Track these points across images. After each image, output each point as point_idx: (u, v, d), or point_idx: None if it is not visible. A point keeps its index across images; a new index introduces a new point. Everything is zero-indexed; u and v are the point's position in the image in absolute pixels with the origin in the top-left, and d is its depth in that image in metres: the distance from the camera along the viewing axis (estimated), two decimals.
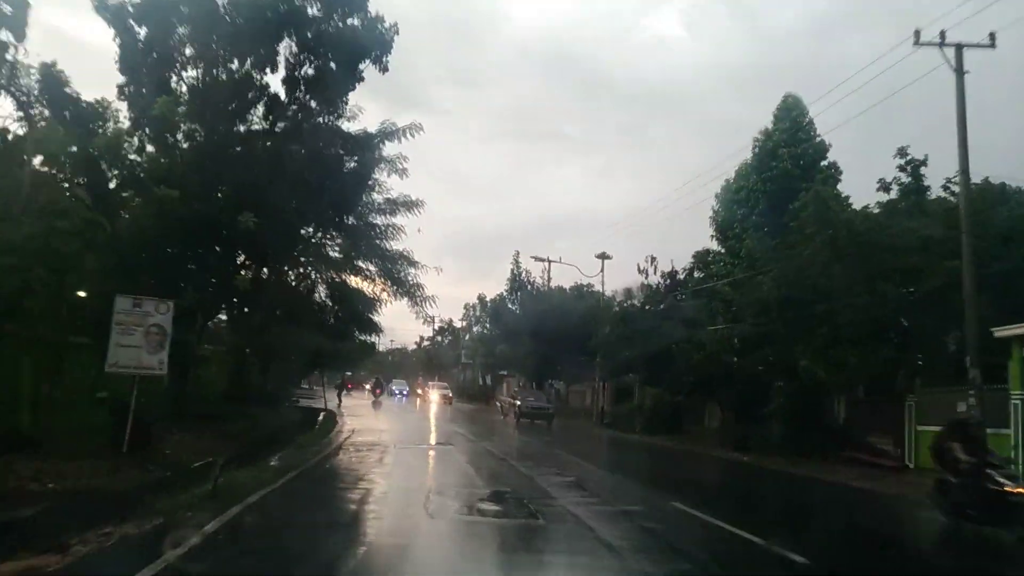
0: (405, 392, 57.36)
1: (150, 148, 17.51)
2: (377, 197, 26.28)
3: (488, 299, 50.11)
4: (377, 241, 30.08)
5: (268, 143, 18.88)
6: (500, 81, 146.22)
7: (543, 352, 39.32)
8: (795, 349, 19.79)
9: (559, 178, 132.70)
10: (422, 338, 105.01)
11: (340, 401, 37.19)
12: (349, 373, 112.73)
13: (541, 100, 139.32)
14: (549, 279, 40.38)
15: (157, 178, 16.76)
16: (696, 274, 28.99)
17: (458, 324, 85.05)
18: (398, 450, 16.37)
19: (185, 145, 17.92)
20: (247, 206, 17.25)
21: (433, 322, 30.33)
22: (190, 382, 19.61)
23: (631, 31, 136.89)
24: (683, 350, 24.47)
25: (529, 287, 41.36)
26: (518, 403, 32.21)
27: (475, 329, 54.14)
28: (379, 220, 28.94)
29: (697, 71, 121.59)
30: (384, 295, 34.13)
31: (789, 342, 19.99)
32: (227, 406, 21.98)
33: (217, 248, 17.86)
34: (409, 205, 26.73)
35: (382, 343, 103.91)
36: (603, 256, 33.40)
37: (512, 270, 41.64)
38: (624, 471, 15.85)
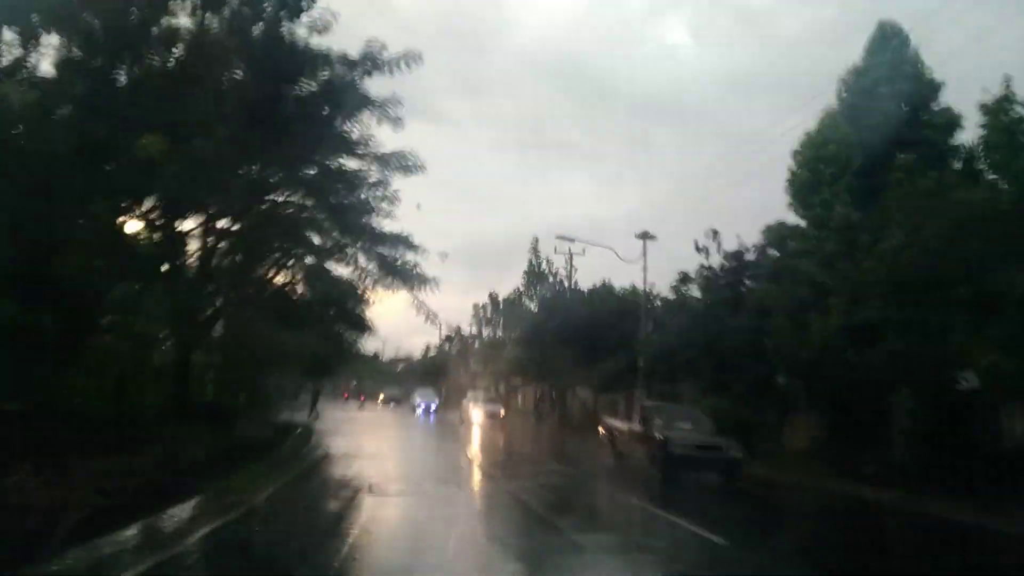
0: (434, 407, 41.95)
1: (7, 35, 11.72)
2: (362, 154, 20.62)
3: (501, 298, 44.17)
4: (365, 217, 24.40)
5: (194, 42, 13.07)
6: (507, 91, 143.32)
7: (567, 356, 33.36)
8: (950, 341, 13.84)
9: (568, 187, 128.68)
10: (428, 347, 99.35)
11: (315, 415, 31.56)
12: (355, 382, 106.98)
13: (548, 109, 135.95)
14: (573, 271, 34.39)
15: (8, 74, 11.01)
16: (770, 252, 22.94)
17: (467, 331, 79.43)
18: (373, 500, 10.32)
19: (64, 37, 12.14)
20: (155, 126, 11.45)
21: (437, 320, 24.63)
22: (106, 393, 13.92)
23: (638, 40, 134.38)
24: (782, 346, 18.52)
25: (552, 279, 35.32)
26: (661, 437, 15.54)
27: (486, 332, 48.12)
28: (367, 193, 23.35)
29: (704, 79, 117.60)
30: (377, 287, 28.28)
31: (940, 331, 14.03)
32: (161, 426, 16.17)
33: (108, 188, 11.99)
34: (405, 166, 20.98)
35: (386, 351, 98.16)
36: (645, 236, 27.37)
37: (530, 260, 35.71)
38: (764, 541, 9.39)
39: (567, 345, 32.73)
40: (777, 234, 23.52)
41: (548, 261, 34.55)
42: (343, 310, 30.66)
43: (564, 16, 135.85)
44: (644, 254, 27.20)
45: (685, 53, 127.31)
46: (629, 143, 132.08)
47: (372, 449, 19.27)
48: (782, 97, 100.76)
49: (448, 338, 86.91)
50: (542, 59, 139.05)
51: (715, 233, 23.41)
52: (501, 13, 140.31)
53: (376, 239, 26.48)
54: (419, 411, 40.94)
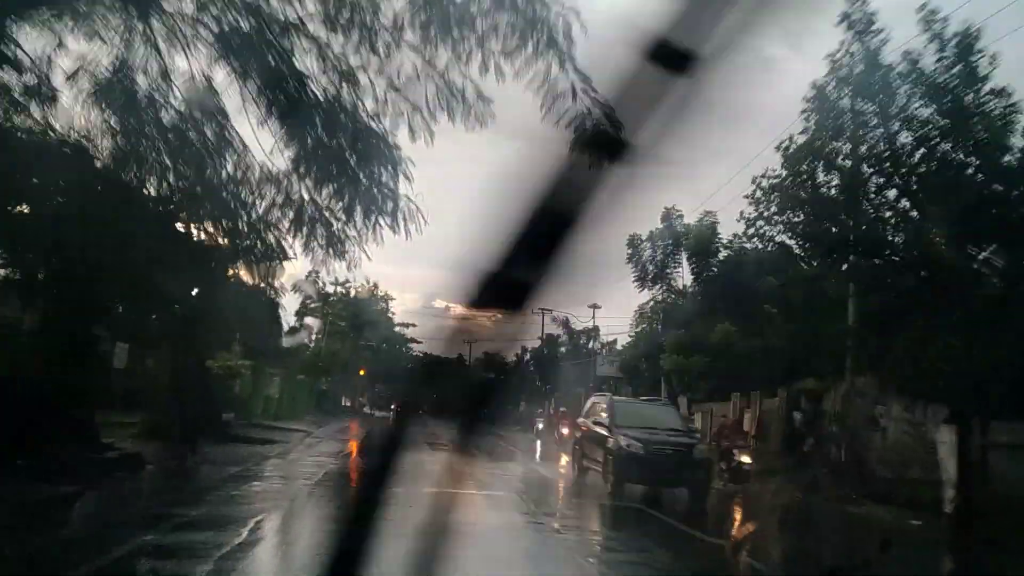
0: None
1: None
2: None
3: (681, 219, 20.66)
4: None
5: None
6: None
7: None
8: None
9: (660, 203, 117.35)
10: (524, 349, 77.06)
11: None
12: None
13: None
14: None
15: None
16: None
17: (580, 323, 56.64)
18: None
19: None
20: None
21: None
22: None
23: (733, 51, 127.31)
24: None
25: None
26: None
27: (654, 294, 24.22)
28: None
29: (803, 91, 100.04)
30: None
31: None
32: None
33: None
34: None
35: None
36: None
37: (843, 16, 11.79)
38: None
39: None
40: None
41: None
42: None
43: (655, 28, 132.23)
44: None
45: (783, 64, 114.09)
46: (725, 156, 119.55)
47: None
48: None
49: (549, 338, 64.98)
50: None
51: None
52: (588, 25, 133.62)
53: None
54: None
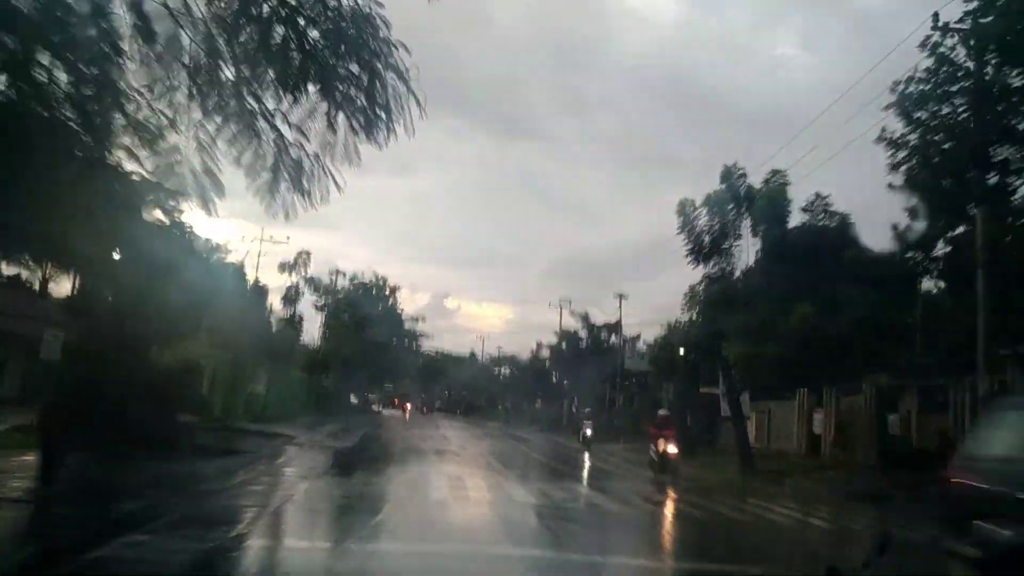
0: None
1: None
2: None
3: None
4: None
5: None
6: (611, 107, 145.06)
7: None
8: None
9: (673, 204, 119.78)
10: (539, 345, 72.99)
11: None
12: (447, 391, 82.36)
13: (653, 124, 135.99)
14: None
15: None
16: None
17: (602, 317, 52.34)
18: None
19: None
20: None
21: None
22: None
23: (746, 51, 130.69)
24: None
25: None
26: None
27: (709, 270, 20.12)
28: None
29: (815, 89, 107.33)
30: None
31: None
32: None
33: None
34: None
35: (484, 350, 72.27)
36: None
37: None
38: None
39: None
40: None
41: None
42: None
43: (668, 30, 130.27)
44: None
45: (795, 63, 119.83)
46: (737, 156, 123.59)
47: None
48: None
49: (564, 334, 60.66)
50: (645, 74, 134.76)
51: None
52: (604, 29, 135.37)
53: None
54: None
